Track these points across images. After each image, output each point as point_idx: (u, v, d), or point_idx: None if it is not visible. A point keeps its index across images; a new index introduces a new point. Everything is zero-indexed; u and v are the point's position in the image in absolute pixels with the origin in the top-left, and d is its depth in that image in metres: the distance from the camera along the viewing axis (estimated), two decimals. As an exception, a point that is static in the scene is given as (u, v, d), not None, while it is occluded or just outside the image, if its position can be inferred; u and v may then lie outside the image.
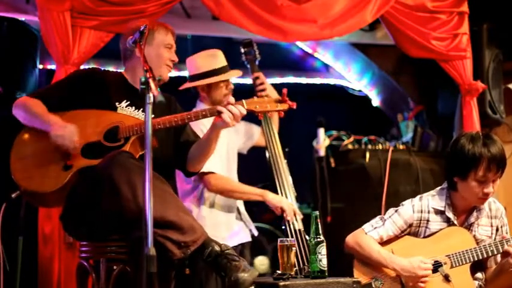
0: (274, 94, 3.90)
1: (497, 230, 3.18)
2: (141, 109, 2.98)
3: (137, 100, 2.98)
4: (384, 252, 3.11)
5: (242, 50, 4.17)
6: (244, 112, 2.87)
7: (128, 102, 3.00)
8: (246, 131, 4.07)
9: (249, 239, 3.82)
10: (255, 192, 3.70)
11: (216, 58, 3.83)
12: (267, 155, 3.92)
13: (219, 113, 2.85)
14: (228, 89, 3.77)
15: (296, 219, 3.68)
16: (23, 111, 2.94)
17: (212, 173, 3.61)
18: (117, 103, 2.98)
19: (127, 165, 2.67)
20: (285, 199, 3.72)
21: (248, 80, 4.24)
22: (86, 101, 2.95)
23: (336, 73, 6.18)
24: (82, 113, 2.91)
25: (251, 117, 3.89)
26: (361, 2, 4.31)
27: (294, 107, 2.90)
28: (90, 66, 3.41)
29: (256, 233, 3.88)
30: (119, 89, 3.03)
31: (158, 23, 3.12)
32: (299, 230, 3.70)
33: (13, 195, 2.91)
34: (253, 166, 4.14)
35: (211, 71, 3.76)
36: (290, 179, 3.88)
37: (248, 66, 4.15)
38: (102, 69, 3.21)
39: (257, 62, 4.14)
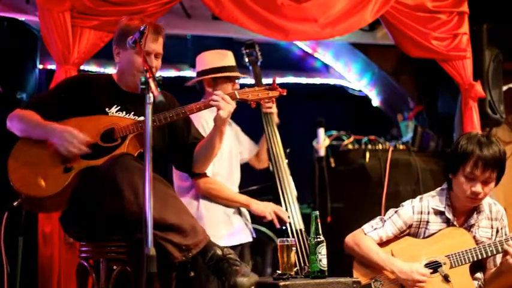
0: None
1: (497, 231, 3.18)
2: (132, 113, 2.97)
3: (127, 104, 2.98)
4: (383, 253, 3.11)
5: (244, 52, 4.16)
6: (236, 97, 2.91)
7: (118, 107, 2.98)
8: (248, 145, 4.07)
9: (250, 239, 3.82)
10: (241, 201, 3.71)
11: (225, 56, 3.85)
12: (268, 155, 3.92)
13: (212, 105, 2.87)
14: (234, 89, 3.76)
15: (293, 220, 3.68)
16: (18, 123, 2.93)
17: (204, 175, 3.60)
18: (107, 109, 2.97)
19: (129, 167, 2.68)
20: (269, 206, 3.68)
21: (249, 81, 4.23)
22: (77, 108, 2.94)
23: (336, 73, 6.18)
24: (76, 120, 2.91)
25: (253, 121, 3.94)
26: (361, 2, 4.31)
27: (284, 93, 2.93)
28: (84, 71, 3.40)
29: (253, 235, 3.88)
30: (108, 94, 3.01)
31: (139, 26, 2.81)
32: (300, 229, 3.70)
33: (14, 204, 2.91)
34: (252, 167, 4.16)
35: (220, 67, 3.78)
36: (291, 179, 3.87)
37: (250, 67, 4.15)
38: (93, 73, 3.21)
39: (259, 64, 4.14)
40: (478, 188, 3.02)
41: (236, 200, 3.71)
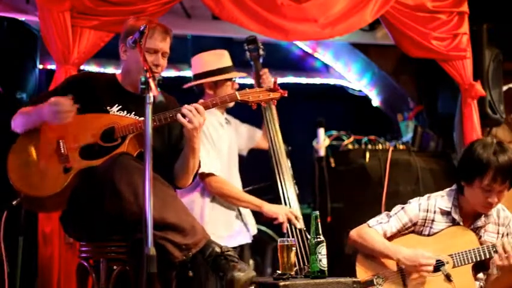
0: None
1: (502, 237, 3.17)
2: (133, 113, 2.96)
3: (129, 104, 2.97)
4: (388, 243, 3.12)
5: (246, 47, 4.13)
6: (238, 98, 2.86)
7: (120, 107, 2.97)
8: (248, 133, 4.08)
9: (249, 240, 3.82)
10: (253, 203, 3.70)
11: (223, 57, 3.85)
12: (269, 151, 3.92)
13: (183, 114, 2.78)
14: (233, 89, 3.77)
15: (297, 222, 3.67)
16: (19, 118, 2.93)
17: (212, 174, 3.62)
18: (108, 108, 2.96)
19: (129, 167, 2.67)
20: (283, 208, 3.68)
21: (249, 80, 4.23)
22: (79, 106, 2.92)
23: (336, 73, 6.18)
24: (77, 118, 2.89)
25: (254, 117, 3.94)
26: (361, 2, 4.31)
27: (285, 94, 2.91)
28: (85, 70, 3.39)
29: (254, 234, 3.88)
30: (110, 93, 3.00)
31: (149, 25, 2.87)
32: (300, 229, 3.69)
33: (14, 203, 2.91)
34: (255, 165, 4.15)
35: (219, 69, 3.78)
36: (291, 175, 3.87)
37: (252, 63, 4.12)
38: (95, 72, 3.18)
39: (261, 60, 4.12)
40: (494, 199, 3.01)
41: (249, 201, 3.71)
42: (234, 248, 3.58)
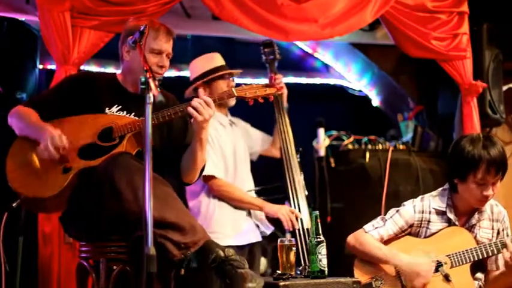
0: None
1: (498, 233, 3.18)
2: (133, 113, 2.96)
3: (129, 104, 2.97)
4: (386, 248, 3.12)
5: (262, 50, 4.15)
6: (234, 94, 2.86)
7: (119, 107, 2.97)
8: (258, 137, 4.09)
9: (259, 238, 3.83)
10: (255, 203, 3.76)
11: (214, 59, 3.89)
12: (281, 155, 3.93)
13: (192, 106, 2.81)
14: (230, 87, 3.77)
15: (298, 222, 3.68)
16: (17, 121, 2.92)
17: (213, 177, 3.63)
18: (107, 108, 2.96)
19: (128, 166, 2.67)
20: (283, 208, 3.70)
21: (248, 80, 4.23)
22: (78, 106, 2.93)
23: (336, 73, 6.18)
24: (75, 119, 2.90)
25: (264, 115, 3.94)
26: (361, 2, 4.31)
27: (282, 91, 2.91)
28: (85, 70, 3.38)
29: (268, 232, 3.88)
30: (110, 93, 3.00)
31: (153, 26, 2.97)
32: (307, 229, 3.69)
33: (14, 205, 2.90)
34: (266, 166, 4.16)
35: (210, 70, 3.82)
36: (302, 177, 3.88)
37: (267, 65, 4.13)
38: (95, 71, 3.18)
39: (277, 64, 4.10)
40: (489, 191, 3.02)
41: (250, 202, 3.75)
42: (242, 246, 3.63)
